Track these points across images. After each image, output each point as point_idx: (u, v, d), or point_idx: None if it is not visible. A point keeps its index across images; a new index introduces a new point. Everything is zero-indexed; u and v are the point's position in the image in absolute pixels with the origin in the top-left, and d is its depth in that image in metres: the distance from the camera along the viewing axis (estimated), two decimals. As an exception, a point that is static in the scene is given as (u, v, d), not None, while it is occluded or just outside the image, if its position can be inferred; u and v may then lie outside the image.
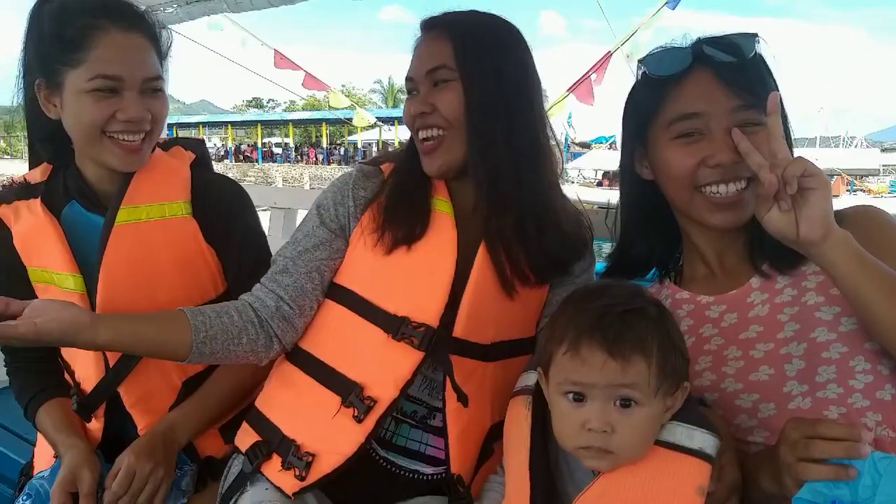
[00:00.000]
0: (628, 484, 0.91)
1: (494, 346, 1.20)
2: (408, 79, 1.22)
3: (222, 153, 43.51)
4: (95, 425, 1.34)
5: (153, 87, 1.27)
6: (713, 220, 1.11)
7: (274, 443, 1.18)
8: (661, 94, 1.12)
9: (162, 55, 1.32)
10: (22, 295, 1.15)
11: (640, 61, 1.18)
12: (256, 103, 69.53)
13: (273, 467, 1.17)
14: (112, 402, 1.32)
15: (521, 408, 1.05)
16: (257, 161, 42.15)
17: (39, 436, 1.42)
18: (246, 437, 1.24)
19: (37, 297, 1.24)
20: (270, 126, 51.73)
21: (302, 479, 1.13)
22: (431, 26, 1.21)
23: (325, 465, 1.13)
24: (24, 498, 1.29)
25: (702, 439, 0.92)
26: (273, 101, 68.23)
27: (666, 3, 4.14)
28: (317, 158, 42.54)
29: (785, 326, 1.09)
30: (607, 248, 1.35)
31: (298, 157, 44.28)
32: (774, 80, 1.11)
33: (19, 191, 1.34)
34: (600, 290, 0.99)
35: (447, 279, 1.16)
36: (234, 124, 47.87)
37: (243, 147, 46.05)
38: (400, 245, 1.17)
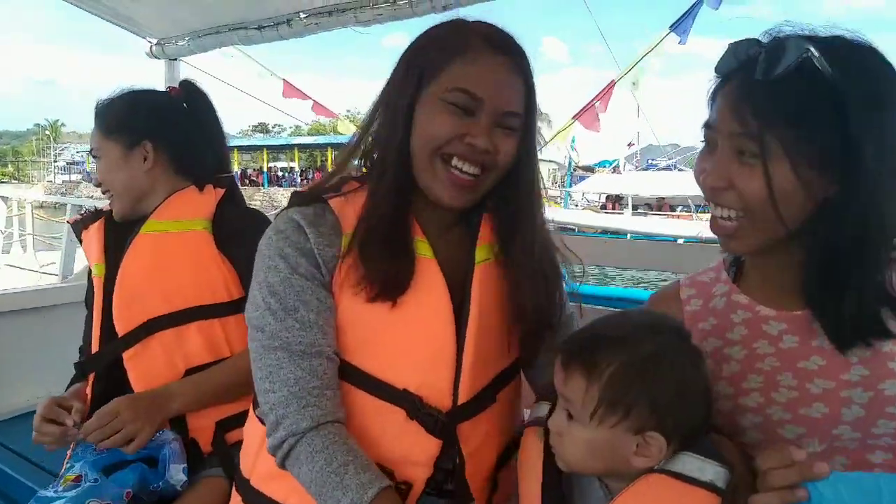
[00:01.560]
0: None
1: (487, 388, 1.15)
2: (473, 96, 1.04)
3: (230, 177, 43.66)
4: (86, 389, 1.56)
5: (95, 156, 1.64)
6: (720, 242, 1.05)
7: None
8: (713, 94, 1.02)
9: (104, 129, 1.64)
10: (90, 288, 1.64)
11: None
12: (262, 128, 70.19)
13: None
14: (114, 381, 1.52)
15: (534, 438, 1.05)
16: (263, 185, 42.37)
17: None
18: None
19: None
20: (276, 151, 52.08)
21: None
22: (514, 57, 1.09)
23: None
24: None
25: (713, 472, 0.92)
26: (279, 125, 68.90)
27: (671, 31, 4.20)
28: (322, 182, 42.71)
29: (852, 368, 0.99)
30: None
31: (304, 180, 44.55)
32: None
33: (91, 217, 1.71)
34: (612, 316, 1.02)
35: (451, 349, 1.08)
36: (240, 149, 48.21)
37: (249, 171, 46.35)
38: (388, 300, 1.07)
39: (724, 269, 1.17)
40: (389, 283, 1.06)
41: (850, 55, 0.93)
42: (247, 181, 44.28)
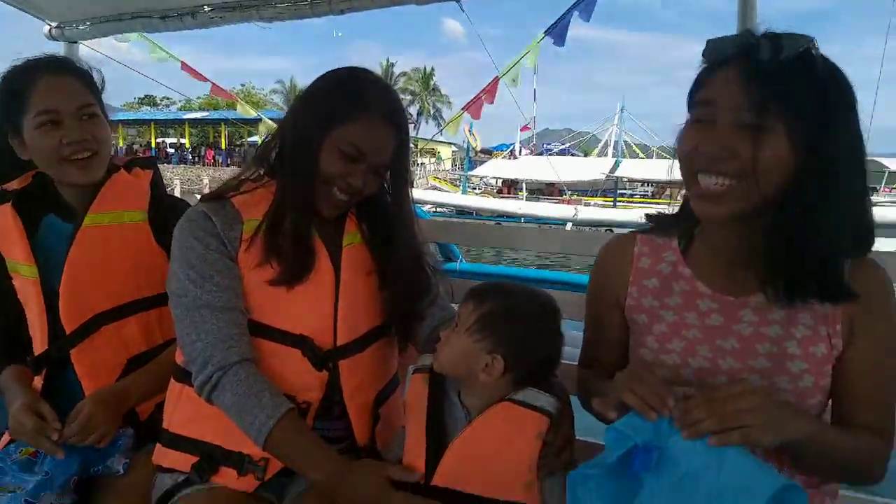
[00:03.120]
0: (488, 427, 1.23)
1: (364, 336, 1.46)
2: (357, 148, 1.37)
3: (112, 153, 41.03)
4: (36, 384, 1.57)
5: (88, 113, 1.57)
6: (697, 209, 1.13)
7: (217, 457, 1.35)
8: (699, 78, 1.13)
9: (95, 89, 1.63)
10: (6, 283, 1.59)
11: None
12: (150, 101, 66.32)
13: (227, 477, 1.34)
14: (57, 371, 1.57)
15: (420, 383, 1.32)
16: (150, 162, 40.21)
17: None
18: (175, 458, 1.39)
19: (12, 283, 1.59)
20: (165, 125, 49.52)
21: (261, 479, 1.34)
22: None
23: (278, 463, 1.33)
24: None
25: (545, 400, 1.24)
26: (168, 98, 65.36)
27: (544, 37, 4.64)
28: (215, 160, 41.26)
29: (758, 358, 1.15)
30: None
31: (195, 158, 42.78)
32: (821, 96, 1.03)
33: None
34: (526, 286, 1.33)
35: (330, 301, 1.40)
36: (125, 122, 45.46)
37: (136, 147, 43.83)
38: (293, 280, 1.36)
39: (676, 237, 1.29)
40: (291, 272, 1.36)
41: (828, 60, 1.07)
42: (133, 157, 41.78)
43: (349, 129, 1.36)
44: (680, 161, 1.14)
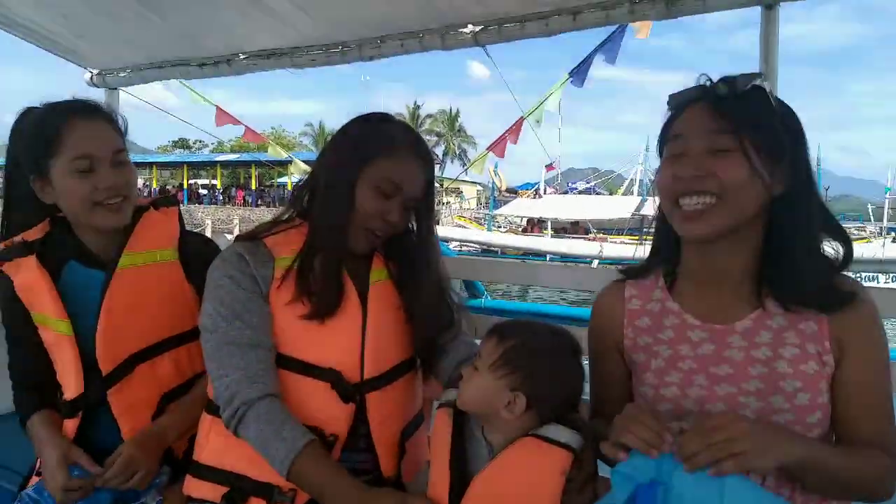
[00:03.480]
0: (512, 462, 1.24)
1: (392, 370, 1.48)
2: (394, 184, 1.43)
3: (145, 194, 41.91)
4: (71, 423, 1.57)
5: (120, 160, 1.57)
6: (682, 231, 1.22)
7: (246, 488, 1.39)
8: (668, 121, 1.26)
9: (122, 134, 1.63)
10: (33, 344, 1.57)
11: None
12: (182, 144, 68.15)
13: None
14: (91, 411, 1.57)
15: (444, 417, 1.33)
16: (182, 202, 41.22)
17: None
18: (206, 489, 1.42)
19: (36, 332, 1.57)
20: (197, 167, 50.74)
21: None
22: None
23: (305, 494, 1.36)
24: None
25: (568, 436, 1.24)
26: (200, 141, 67.12)
27: (569, 79, 4.73)
28: (245, 200, 42.05)
29: (751, 380, 1.19)
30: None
31: (226, 198, 43.63)
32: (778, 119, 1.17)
33: (18, 249, 1.58)
34: (540, 321, 1.35)
35: (357, 336, 1.43)
36: (158, 165, 46.75)
37: (168, 188, 44.89)
38: (323, 315, 1.40)
39: (661, 277, 1.37)
40: (321, 308, 1.40)
41: (776, 96, 1.21)
42: (165, 198, 42.64)
43: (382, 164, 1.41)
44: (660, 193, 1.25)
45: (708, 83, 1.22)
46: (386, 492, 1.32)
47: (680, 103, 1.24)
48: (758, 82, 1.17)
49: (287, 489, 1.37)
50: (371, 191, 1.41)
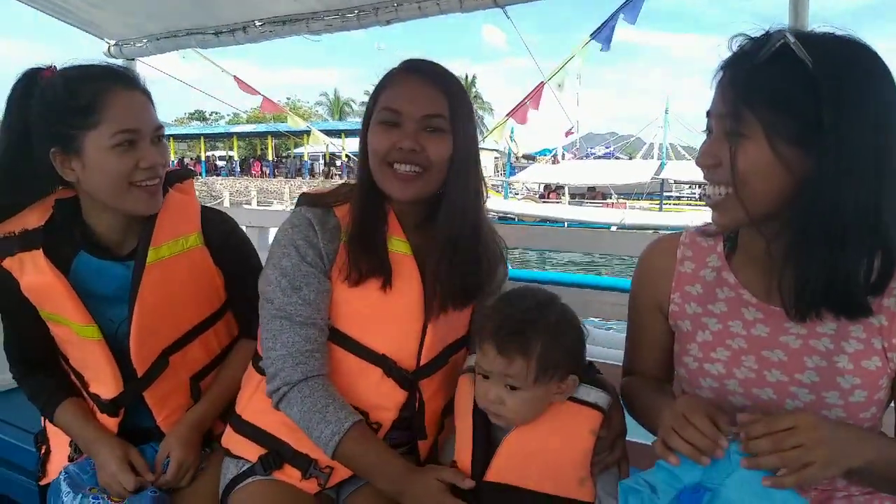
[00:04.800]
0: (543, 422, 1.24)
1: (442, 353, 1.46)
2: (394, 111, 1.32)
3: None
4: (112, 421, 1.52)
5: (159, 136, 1.45)
6: (711, 219, 1.14)
7: (286, 455, 1.39)
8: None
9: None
10: (36, 328, 1.48)
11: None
12: (199, 116, 68.25)
13: (290, 475, 1.38)
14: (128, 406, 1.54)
15: (467, 383, 1.35)
16: (200, 175, 41.48)
17: (51, 433, 1.62)
18: (244, 447, 1.43)
19: (48, 331, 1.50)
20: (214, 139, 50.87)
21: (323, 486, 1.38)
22: (426, 74, 1.36)
23: (343, 473, 1.38)
24: (64, 475, 1.47)
25: (597, 396, 1.26)
26: (216, 113, 67.17)
27: (590, 41, 4.63)
28: (262, 171, 42.20)
29: (806, 372, 1.11)
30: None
31: (244, 169, 43.80)
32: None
33: (20, 241, 1.42)
34: (512, 299, 1.28)
35: (419, 325, 1.39)
36: (176, 137, 46.89)
37: (186, 161, 45.13)
38: (378, 288, 1.36)
39: (722, 240, 1.25)
40: (365, 273, 1.35)
41: (835, 48, 0.98)
42: (184, 171, 42.94)
43: (381, 99, 1.36)
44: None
45: (741, 45, 1.03)
46: (430, 468, 1.32)
47: (716, 73, 1.07)
48: (782, 41, 0.98)
49: (324, 466, 1.38)
50: (378, 126, 1.34)
